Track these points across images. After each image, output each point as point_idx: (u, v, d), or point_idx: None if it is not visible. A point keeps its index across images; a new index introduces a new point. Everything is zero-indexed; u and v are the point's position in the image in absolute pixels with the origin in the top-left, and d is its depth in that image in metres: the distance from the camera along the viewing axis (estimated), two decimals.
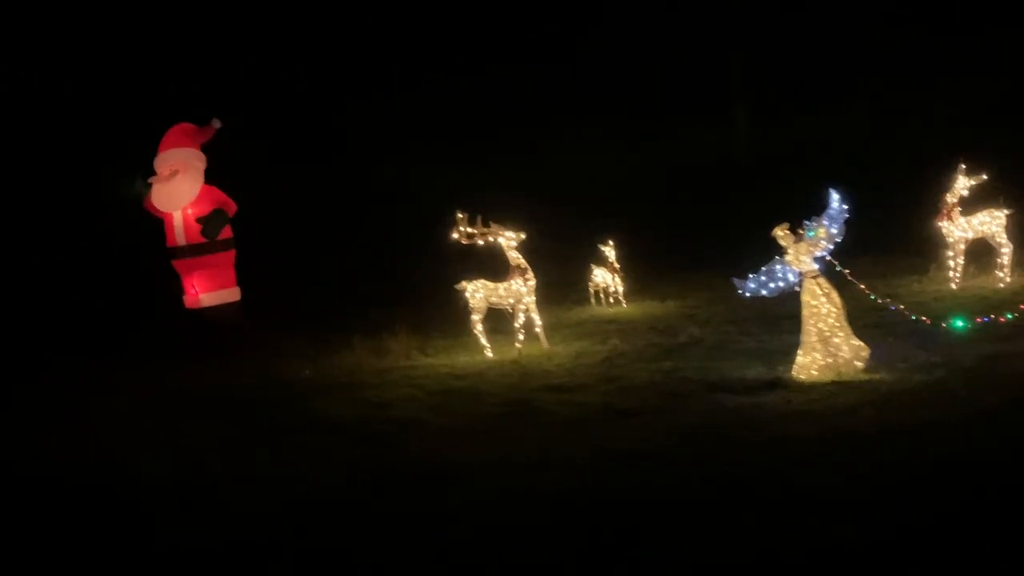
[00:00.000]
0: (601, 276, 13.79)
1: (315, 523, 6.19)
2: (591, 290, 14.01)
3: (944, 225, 12.27)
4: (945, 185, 12.26)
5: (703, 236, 17.67)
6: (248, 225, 13.91)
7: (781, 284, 8.88)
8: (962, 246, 12.28)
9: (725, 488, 6.16)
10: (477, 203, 11.34)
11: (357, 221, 20.38)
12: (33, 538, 6.31)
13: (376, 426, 8.46)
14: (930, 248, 13.29)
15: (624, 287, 13.74)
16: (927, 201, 13.36)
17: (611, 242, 13.67)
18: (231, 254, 13.70)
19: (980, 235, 12.25)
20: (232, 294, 13.73)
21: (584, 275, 14.11)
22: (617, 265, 13.65)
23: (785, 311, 11.16)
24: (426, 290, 14.31)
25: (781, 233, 8.76)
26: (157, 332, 14.11)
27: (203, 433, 8.63)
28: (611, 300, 13.80)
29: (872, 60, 23.12)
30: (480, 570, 5.37)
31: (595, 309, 13.78)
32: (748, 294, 9.14)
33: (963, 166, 12.08)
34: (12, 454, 8.39)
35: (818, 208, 8.91)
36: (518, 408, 8.68)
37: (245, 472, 7.45)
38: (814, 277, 8.69)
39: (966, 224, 12.20)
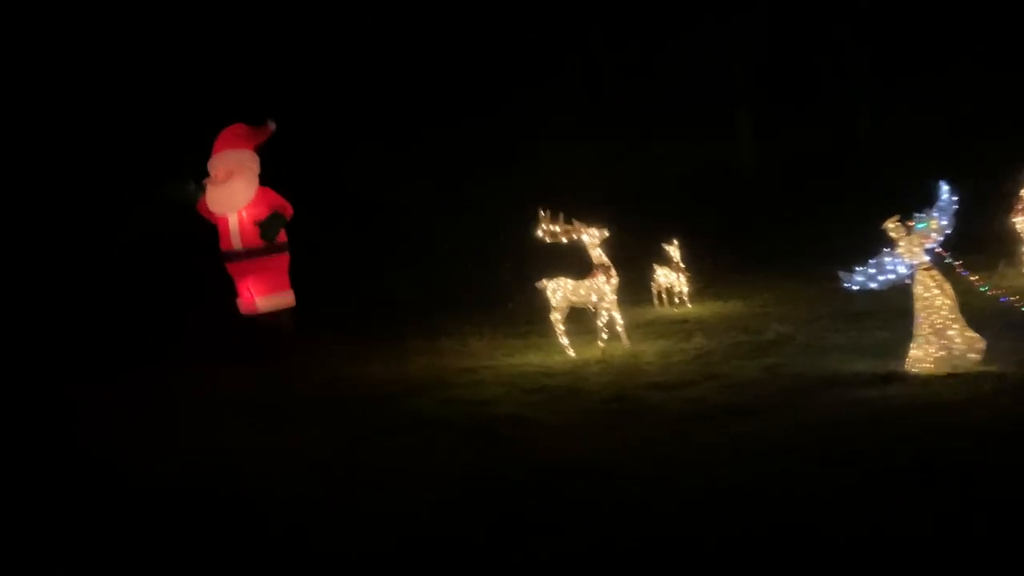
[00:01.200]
0: (664, 276, 13.64)
1: (461, 522, 5.96)
2: (654, 290, 13.84)
3: (1019, 220, 12.19)
4: (1019, 181, 12.20)
5: (752, 238, 17.59)
6: (302, 229, 13.76)
7: (891, 276, 8.73)
8: None
9: (894, 478, 5.99)
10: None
11: (408, 228, 20.25)
12: (169, 546, 6.05)
13: (485, 424, 8.23)
14: (995, 245, 13.22)
15: (689, 287, 13.59)
16: (984, 200, 13.30)
17: (675, 241, 13.53)
18: (285, 258, 13.53)
19: None
20: (287, 298, 13.55)
21: (643, 276, 13.96)
22: (683, 265, 13.49)
23: (863, 308, 11.11)
24: (486, 293, 14.17)
25: (892, 225, 8.62)
26: (203, 338, 13.92)
27: (306, 436, 8.37)
28: (675, 300, 13.64)
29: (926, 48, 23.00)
30: (643, 563, 5.18)
31: (659, 309, 13.62)
32: (855, 287, 8.99)
33: None
34: (114, 462, 8.09)
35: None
36: (627, 405, 8.49)
37: (368, 474, 7.17)
38: (927, 269, 8.55)
39: None
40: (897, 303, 9.97)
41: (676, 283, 13.56)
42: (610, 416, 8.22)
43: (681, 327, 11.99)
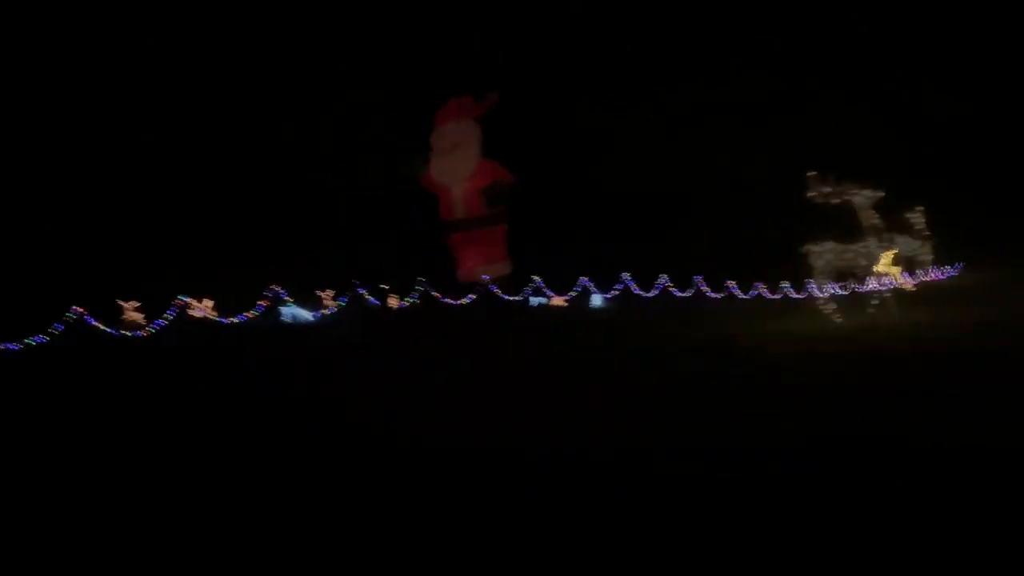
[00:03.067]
0: (905, 244, 13.07)
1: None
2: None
3: None
4: None
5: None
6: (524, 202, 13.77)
7: None
8: None
9: None
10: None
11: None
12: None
13: (794, 381, 7.87)
14: None
15: (933, 255, 13.03)
16: None
17: (920, 209, 12.95)
18: (503, 228, 13.64)
19: None
20: (504, 267, 13.67)
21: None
22: (927, 232, 12.92)
23: None
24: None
25: None
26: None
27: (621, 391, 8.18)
28: (917, 270, 13.09)
29: None
30: None
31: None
32: None
33: None
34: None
35: None
36: (949, 369, 8.03)
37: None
38: None
39: None
40: None
41: (919, 251, 12.97)
42: (935, 380, 7.78)
43: (933, 296, 11.46)
